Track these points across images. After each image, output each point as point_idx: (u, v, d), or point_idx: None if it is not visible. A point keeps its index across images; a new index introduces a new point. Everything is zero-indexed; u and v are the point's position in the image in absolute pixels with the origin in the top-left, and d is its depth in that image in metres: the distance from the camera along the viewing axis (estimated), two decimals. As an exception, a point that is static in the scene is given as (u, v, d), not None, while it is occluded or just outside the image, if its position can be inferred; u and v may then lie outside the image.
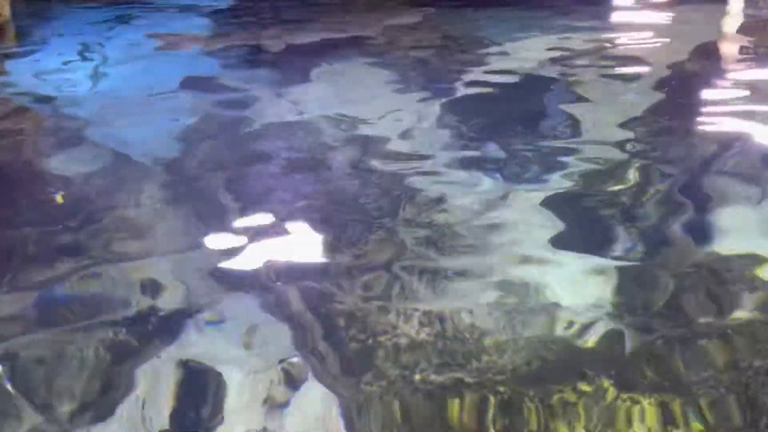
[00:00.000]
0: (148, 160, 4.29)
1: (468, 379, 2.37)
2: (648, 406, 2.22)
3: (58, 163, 4.38)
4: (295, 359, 2.53)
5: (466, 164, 4.07)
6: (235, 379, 2.43)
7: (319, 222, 3.48)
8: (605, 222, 3.41)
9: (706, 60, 5.90)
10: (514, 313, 2.70)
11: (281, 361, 2.51)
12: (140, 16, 8.32)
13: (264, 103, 5.23)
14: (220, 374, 2.47)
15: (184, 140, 4.61)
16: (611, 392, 2.28)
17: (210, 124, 4.90)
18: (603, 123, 4.54)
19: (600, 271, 2.97)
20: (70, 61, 6.59)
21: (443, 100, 5.13)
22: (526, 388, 2.31)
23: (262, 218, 3.54)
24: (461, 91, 5.34)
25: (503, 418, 2.21)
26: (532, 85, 5.42)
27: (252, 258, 3.19)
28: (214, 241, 3.35)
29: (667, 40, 6.42)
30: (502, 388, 2.32)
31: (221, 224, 3.51)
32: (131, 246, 3.38)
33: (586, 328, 2.61)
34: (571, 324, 2.63)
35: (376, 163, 4.12)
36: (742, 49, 6.21)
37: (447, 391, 2.33)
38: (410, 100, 5.15)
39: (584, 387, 2.31)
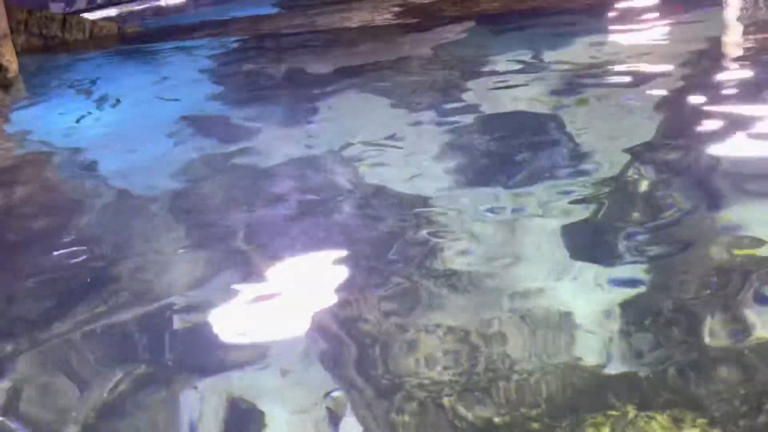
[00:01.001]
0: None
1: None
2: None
3: (73, 213, 4.48)
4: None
5: (475, 198, 4.11)
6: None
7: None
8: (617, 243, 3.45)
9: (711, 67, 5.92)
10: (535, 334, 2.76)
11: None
12: (145, 57, 8.50)
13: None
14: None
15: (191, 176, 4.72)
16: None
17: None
18: (611, 148, 4.55)
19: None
20: (77, 110, 6.73)
21: (447, 127, 5.18)
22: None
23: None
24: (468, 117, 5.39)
25: None
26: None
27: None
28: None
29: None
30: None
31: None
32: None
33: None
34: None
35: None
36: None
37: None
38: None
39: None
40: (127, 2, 12.15)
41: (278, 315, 3.16)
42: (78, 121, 6.45)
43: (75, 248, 3.99)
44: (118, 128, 6.07)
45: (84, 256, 3.88)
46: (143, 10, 12.28)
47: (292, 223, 3.97)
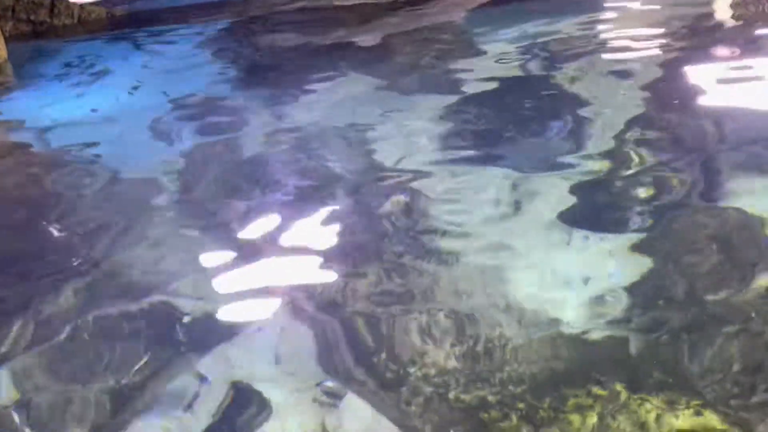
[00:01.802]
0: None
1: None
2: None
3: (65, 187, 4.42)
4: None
5: (473, 171, 4.06)
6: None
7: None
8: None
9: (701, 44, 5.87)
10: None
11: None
12: (138, 43, 8.38)
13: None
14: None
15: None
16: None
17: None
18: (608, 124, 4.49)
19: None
20: (67, 96, 6.63)
21: (443, 106, 5.11)
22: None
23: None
24: (460, 95, 5.32)
25: None
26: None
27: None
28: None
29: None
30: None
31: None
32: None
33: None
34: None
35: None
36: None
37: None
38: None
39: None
40: (116, -15, 11.96)
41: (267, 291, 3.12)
42: (68, 106, 6.34)
43: (69, 230, 3.96)
44: (110, 113, 5.99)
45: (77, 238, 3.83)
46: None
47: (287, 207, 3.92)
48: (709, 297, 2.76)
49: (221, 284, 3.26)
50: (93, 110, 6.12)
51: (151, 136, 5.35)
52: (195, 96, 6.13)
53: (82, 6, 10.49)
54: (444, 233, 3.43)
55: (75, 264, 3.58)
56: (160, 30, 8.95)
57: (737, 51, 5.39)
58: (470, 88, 5.38)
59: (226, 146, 4.92)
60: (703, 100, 4.66)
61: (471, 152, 4.31)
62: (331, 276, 3.20)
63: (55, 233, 3.98)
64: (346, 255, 3.36)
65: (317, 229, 3.64)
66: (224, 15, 9.31)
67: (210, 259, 3.48)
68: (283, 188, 4.16)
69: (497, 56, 6.07)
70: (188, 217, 3.97)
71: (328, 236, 3.54)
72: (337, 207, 3.83)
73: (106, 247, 3.72)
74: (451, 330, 2.75)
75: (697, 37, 5.99)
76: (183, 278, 3.33)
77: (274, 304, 3.05)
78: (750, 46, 5.50)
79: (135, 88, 6.66)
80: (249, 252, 3.49)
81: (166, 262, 3.51)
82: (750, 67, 5.03)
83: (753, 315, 2.61)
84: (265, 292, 3.16)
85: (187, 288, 3.25)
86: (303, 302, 3.04)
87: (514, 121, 4.64)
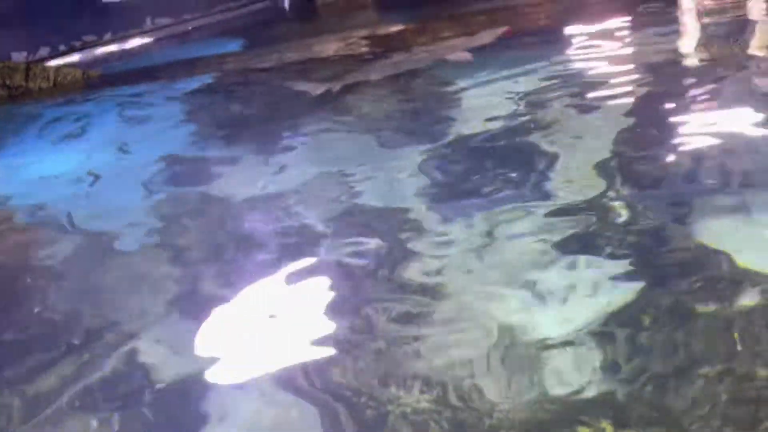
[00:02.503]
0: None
1: None
2: None
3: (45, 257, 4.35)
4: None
5: (453, 220, 4.08)
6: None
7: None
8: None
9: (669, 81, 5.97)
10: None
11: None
12: (115, 103, 8.40)
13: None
14: None
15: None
16: None
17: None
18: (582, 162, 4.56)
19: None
20: (44, 159, 6.61)
21: (421, 156, 5.14)
22: None
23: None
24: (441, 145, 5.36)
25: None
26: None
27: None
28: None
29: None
30: None
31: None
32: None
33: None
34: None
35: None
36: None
37: None
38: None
39: None
40: (91, 47, 12.04)
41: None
42: (45, 167, 6.34)
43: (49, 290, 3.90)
44: (88, 173, 5.97)
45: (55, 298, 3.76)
46: (108, 54, 12.16)
47: (269, 264, 3.89)
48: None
49: (200, 348, 3.21)
50: (69, 171, 6.10)
51: (128, 195, 5.34)
52: (173, 155, 6.12)
53: (57, 68, 10.53)
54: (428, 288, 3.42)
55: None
56: (136, 91, 8.97)
57: (705, 93, 5.49)
58: (448, 138, 5.43)
59: (205, 206, 4.91)
60: (674, 142, 4.73)
61: (451, 202, 4.32)
62: (312, 342, 3.16)
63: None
64: (328, 316, 3.33)
65: (298, 291, 3.60)
66: (200, 73, 9.36)
67: (188, 324, 3.44)
68: (263, 248, 4.13)
69: (473, 105, 6.13)
70: (167, 279, 3.93)
71: (309, 298, 3.51)
72: (317, 265, 3.80)
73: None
74: (434, 380, 2.72)
75: (666, 78, 6.09)
76: (158, 341, 3.28)
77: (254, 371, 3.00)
78: (717, 88, 5.60)
79: (113, 148, 6.64)
80: (225, 315, 3.46)
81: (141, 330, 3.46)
82: (717, 108, 5.11)
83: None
84: (245, 358, 3.12)
85: (160, 350, 3.20)
86: (283, 372, 2.99)
87: (491, 169, 4.67)
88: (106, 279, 4.06)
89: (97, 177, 5.88)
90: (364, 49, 9.13)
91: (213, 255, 4.14)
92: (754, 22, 7.58)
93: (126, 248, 4.43)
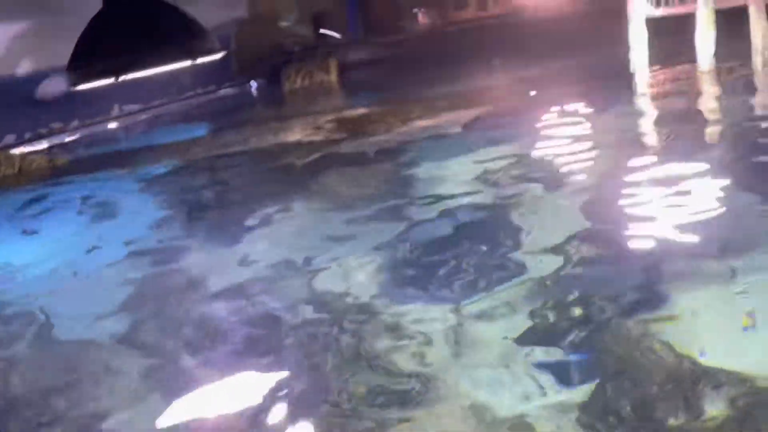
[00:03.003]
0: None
1: None
2: None
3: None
4: None
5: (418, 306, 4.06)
6: None
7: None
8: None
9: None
10: None
11: None
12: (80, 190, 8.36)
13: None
14: None
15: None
16: None
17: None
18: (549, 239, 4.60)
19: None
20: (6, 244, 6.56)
21: (385, 238, 5.14)
22: None
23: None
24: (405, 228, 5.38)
25: None
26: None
27: None
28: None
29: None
30: None
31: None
32: None
33: None
34: None
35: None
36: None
37: None
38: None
39: None
40: (58, 134, 12.07)
41: None
42: (6, 253, 6.28)
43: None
44: (51, 264, 5.89)
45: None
46: (75, 141, 12.20)
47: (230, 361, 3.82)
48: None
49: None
50: (32, 260, 6.02)
51: (92, 284, 5.29)
52: (138, 242, 6.08)
53: (23, 156, 10.52)
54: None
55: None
56: (103, 176, 8.96)
57: (667, 164, 5.64)
58: (413, 219, 5.46)
59: (170, 294, 4.84)
60: (637, 215, 4.82)
61: (414, 287, 4.30)
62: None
63: None
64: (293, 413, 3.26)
65: (263, 384, 3.53)
66: (167, 159, 9.40)
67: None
68: (227, 341, 4.06)
69: (439, 184, 6.21)
70: (134, 374, 3.84)
71: (273, 393, 3.43)
72: (281, 359, 3.73)
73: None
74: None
75: (630, 149, 6.24)
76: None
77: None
78: (677, 158, 5.77)
79: (77, 238, 6.58)
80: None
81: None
82: (682, 181, 5.23)
83: None
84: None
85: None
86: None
87: (455, 251, 4.69)
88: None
89: (63, 268, 5.80)
90: (331, 134, 9.26)
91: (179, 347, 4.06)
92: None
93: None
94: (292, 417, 3.18)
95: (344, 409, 3.16)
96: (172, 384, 3.62)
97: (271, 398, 3.34)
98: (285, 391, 3.38)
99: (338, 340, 3.77)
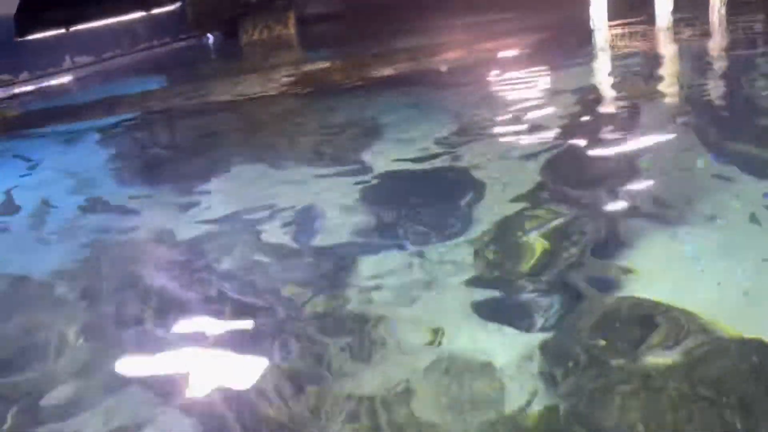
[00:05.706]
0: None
1: None
2: None
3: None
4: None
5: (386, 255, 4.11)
6: None
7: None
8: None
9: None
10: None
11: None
12: (28, 141, 8.17)
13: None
14: None
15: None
16: None
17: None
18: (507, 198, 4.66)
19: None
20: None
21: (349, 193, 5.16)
22: None
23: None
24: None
25: None
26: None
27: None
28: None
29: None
30: None
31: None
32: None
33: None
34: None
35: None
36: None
37: None
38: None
39: None
40: (7, 86, 11.72)
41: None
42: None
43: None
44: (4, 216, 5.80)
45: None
46: (25, 93, 11.87)
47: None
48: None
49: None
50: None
51: (46, 239, 5.20)
52: (92, 196, 5.99)
53: (-29, 108, 10.22)
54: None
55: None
56: (55, 130, 8.75)
57: (624, 128, 5.71)
58: (374, 177, 5.47)
59: (126, 252, 4.79)
60: (596, 176, 4.90)
61: (379, 239, 4.35)
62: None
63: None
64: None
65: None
66: (120, 112, 9.21)
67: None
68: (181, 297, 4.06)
69: (402, 145, 6.20)
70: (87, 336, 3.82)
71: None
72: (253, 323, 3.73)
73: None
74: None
75: (588, 117, 6.28)
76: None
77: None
78: (634, 123, 5.84)
79: (30, 189, 6.46)
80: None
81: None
82: (640, 143, 5.31)
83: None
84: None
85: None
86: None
87: (416, 205, 4.73)
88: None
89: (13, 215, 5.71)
90: (289, 87, 9.17)
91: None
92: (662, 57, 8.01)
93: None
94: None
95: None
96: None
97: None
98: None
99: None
